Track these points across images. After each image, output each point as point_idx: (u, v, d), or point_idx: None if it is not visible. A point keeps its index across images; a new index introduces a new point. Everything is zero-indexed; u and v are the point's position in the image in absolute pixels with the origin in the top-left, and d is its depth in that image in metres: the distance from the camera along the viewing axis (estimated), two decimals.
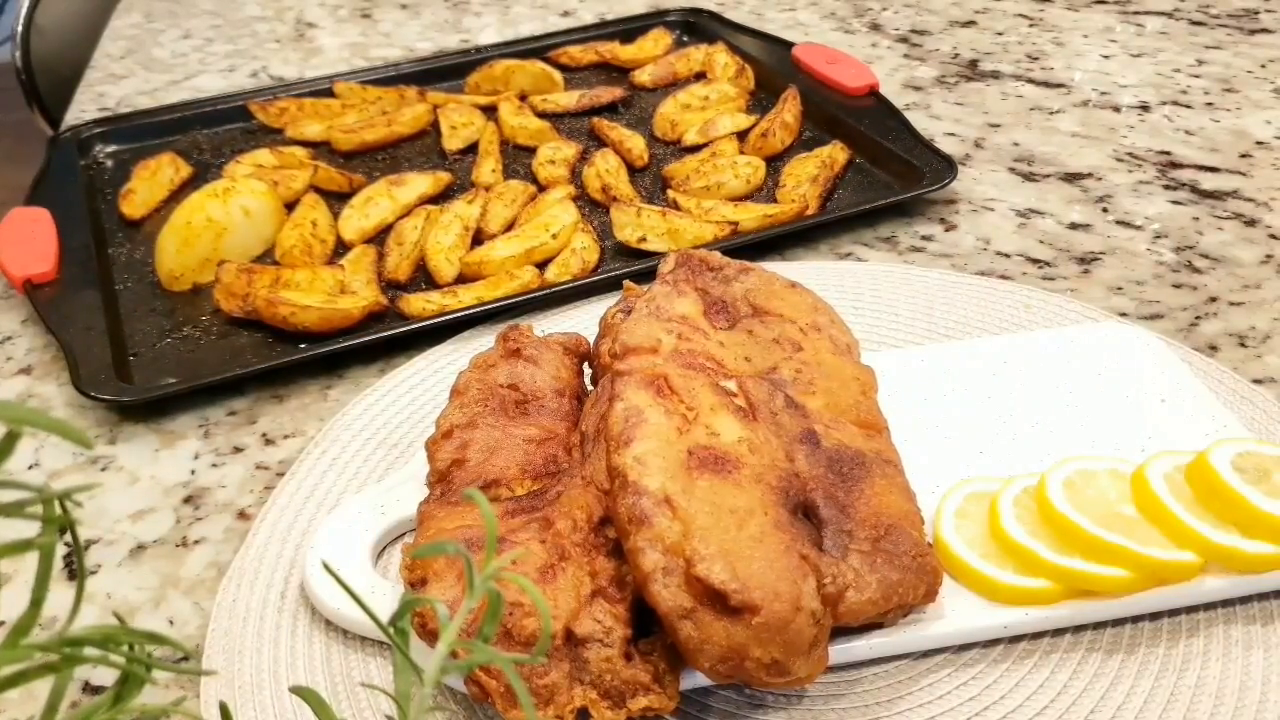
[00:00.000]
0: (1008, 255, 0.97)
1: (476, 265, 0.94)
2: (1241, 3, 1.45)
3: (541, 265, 0.95)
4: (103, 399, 0.81)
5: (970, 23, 1.43)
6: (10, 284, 0.93)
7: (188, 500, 0.75)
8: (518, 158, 1.13)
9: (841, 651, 0.60)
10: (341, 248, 1.00)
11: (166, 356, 0.87)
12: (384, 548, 0.69)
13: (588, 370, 0.74)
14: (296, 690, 0.42)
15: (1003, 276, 0.94)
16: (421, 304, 0.90)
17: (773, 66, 1.25)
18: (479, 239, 0.99)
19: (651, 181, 1.09)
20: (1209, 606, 0.63)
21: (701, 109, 1.18)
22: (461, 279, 0.94)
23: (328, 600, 0.64)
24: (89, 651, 0.33)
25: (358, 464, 0.75)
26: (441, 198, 1.06)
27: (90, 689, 0.63)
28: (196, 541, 0.72)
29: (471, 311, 0.88)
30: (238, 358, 0.87)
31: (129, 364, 0.86)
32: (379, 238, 1.01)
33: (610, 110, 1.21)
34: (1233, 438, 0.68)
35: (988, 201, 1.05)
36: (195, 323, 0.91)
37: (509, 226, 1.01)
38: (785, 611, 0.53)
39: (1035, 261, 0.96)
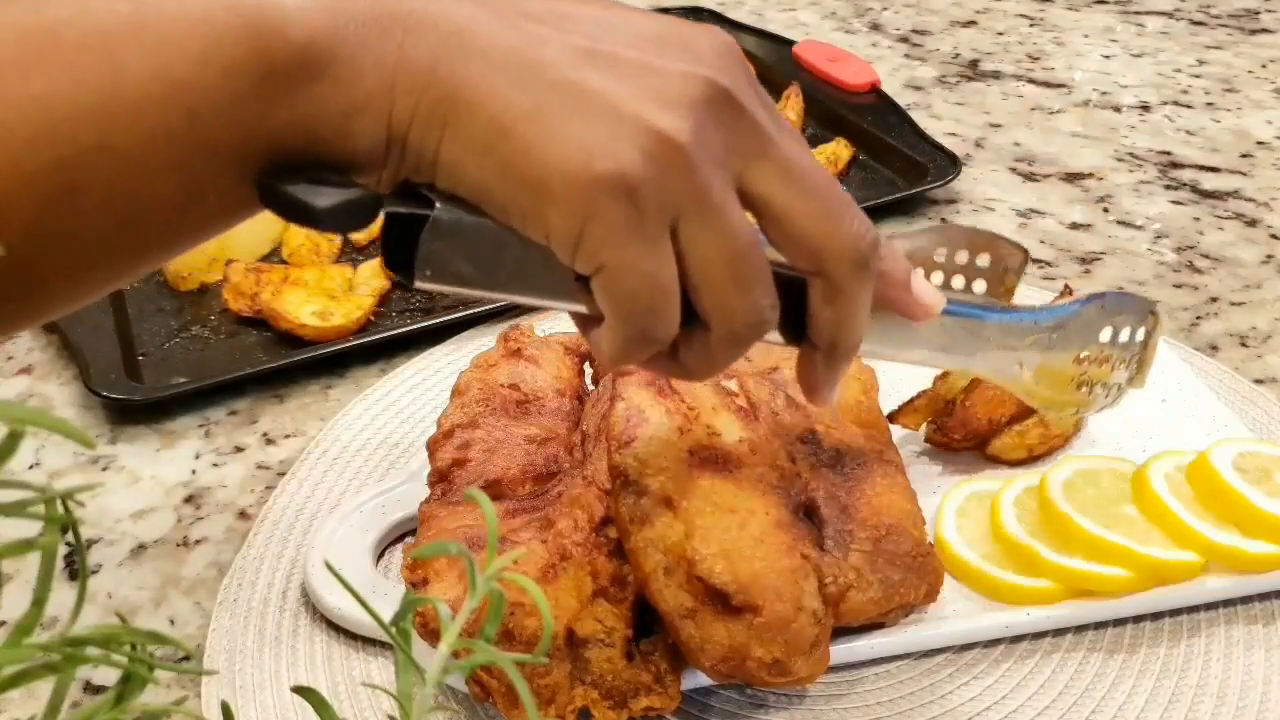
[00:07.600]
0: None
1: None
2: (1242, 3, 1.45)
3: None
4: (115, 398, 0.81)
5: (971, 23, 1.43)
6: None
7: (188, 500, 0.75)
8: None
9: (843, 651, 0.60)
10: (349, 246, 0.99)
11: (175, 356, 0.87)
12: (385, 547, 0.69)
13: (589, 370, 0.74)
14: (298, 690, 0.42)
15: None
16: None
17: (773, 64, 1.24)
18: None
19: None
20: (1210, 606, 0.63)
21: None
22: None
23: (329, 600, 0.64)
24: (91, 651, 0.33)
25: (358, 464, 0.75)
26: None
27: (91, 689, 0.63)
28: (197, 541, 0.72)
29: (474, 311, 0.88)
30: (247, 357, 0.87)
31: (138, 363, 0.86)
32: None
33: None
34: (1234, 438, 0.68)
35: (988, 201, 1.05)
36: (204, 322, 0.91)
37: None
38: (786, 611, 0.53)
39: (1036, 261, 0.96)
